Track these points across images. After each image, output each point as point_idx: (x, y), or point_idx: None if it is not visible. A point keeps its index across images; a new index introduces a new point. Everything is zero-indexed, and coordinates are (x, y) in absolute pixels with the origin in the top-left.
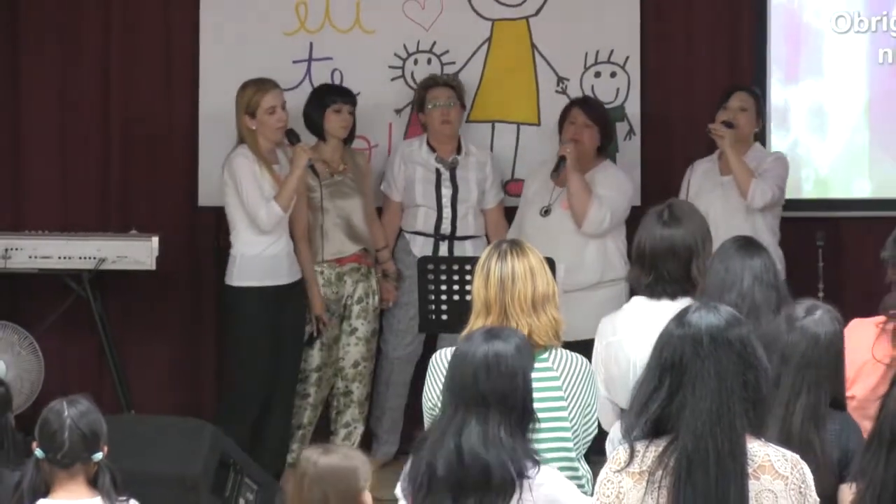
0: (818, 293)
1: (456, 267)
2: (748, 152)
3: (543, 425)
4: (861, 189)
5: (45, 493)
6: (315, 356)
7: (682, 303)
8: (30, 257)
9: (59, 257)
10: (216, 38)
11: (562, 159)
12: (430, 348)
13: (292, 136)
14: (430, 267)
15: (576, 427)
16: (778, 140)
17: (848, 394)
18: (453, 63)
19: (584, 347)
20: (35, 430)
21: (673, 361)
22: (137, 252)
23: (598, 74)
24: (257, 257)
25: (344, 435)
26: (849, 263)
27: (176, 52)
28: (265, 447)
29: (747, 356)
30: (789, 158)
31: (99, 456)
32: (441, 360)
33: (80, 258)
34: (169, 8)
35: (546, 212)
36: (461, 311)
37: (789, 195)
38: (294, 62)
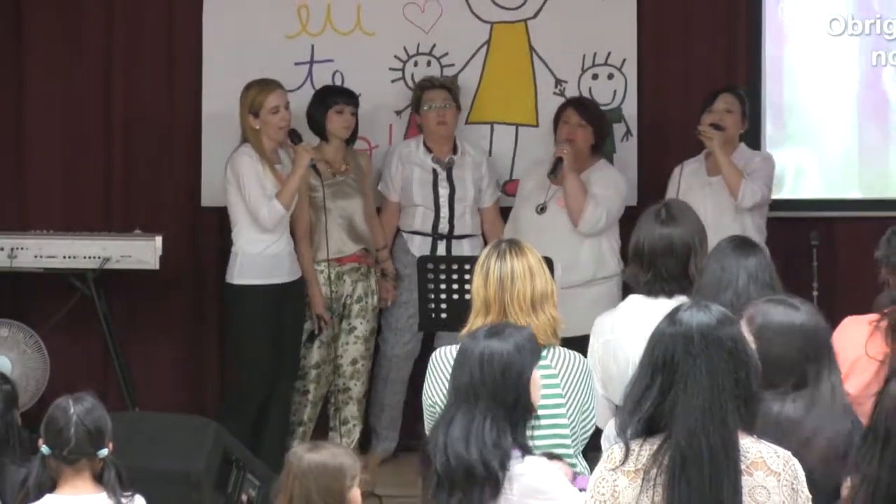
0: (812, 292)
1: (455, 266)
2: (734, 153)
3: (542, 422)
4: (855, 190)
5: (52, 489)
6: (314, 353)
7: (679, 301)
8: (35, 257)
9: (64, 257)
10: (219, 40)
11: (559, 160)
12: (427, 346)
13: (295, 136)
14: (430, 266)
15: (574, 424)
16: (773, 141)
17: None
18: (453, 65)
19: (577, 343)
20: (41, 427)
21: (665, 360)
22: (141, 252)
23: (595, 76)
24: (259, 256)
25: (344, 432)
26: (842, 263)
27: (179, 54)
28: (264, 444)
29: (738, 354)
30: (784, 159)
31: (104, 452)
32: (441, 358)
33: (85, 258)
34: (172, 10)
35: (542, 209)
36: (461, 311)
37: (785, 196)
38: (296, 64)
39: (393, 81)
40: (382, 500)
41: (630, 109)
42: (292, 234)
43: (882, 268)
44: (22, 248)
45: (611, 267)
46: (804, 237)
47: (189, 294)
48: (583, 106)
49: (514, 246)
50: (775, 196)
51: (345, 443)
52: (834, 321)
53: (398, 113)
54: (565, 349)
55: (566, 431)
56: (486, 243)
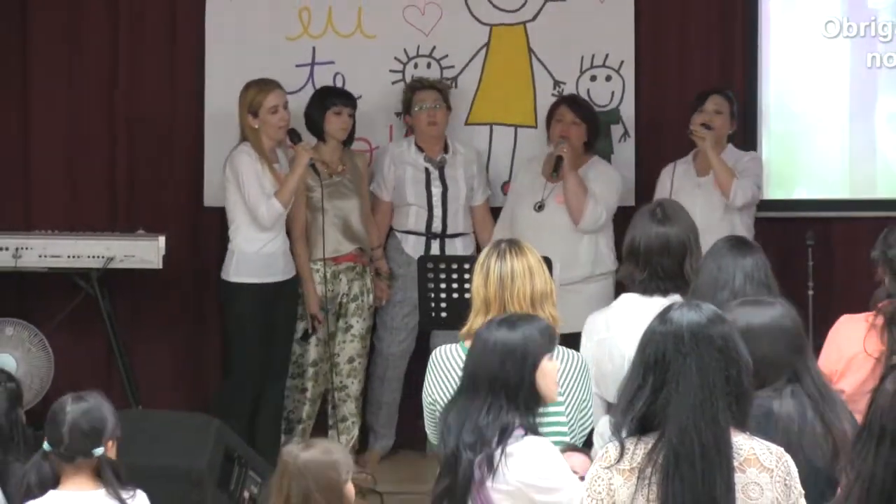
0: (808, 292)
1: (455, 266)
2: (722, 153)
3: (542, 420)
4: (850, 190)
5: (55, 485)
6: (311, 351)
7: (674, 300)
8: (40, 256)
9: (68, 256)
10: (221, 41)
11: (559, 159)
12: (422, 345)
13: (294, 136)
14: (430, 266)
15: (572, 422)
16: (768, 142)
17: (837, 387)
18: (452, 67)
19: (574, 340)
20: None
21: (656, 358)
22: (145, 251)
23: (593, 78)
24: (255, 254)
25: (342, 429)
26: (839, 263)
27: (182, 55)
28: (256, 441)
29: (729, 352)
30: (780, 160)
31: (100, 451)
32: (440, 356)
33: (89, 257)
34: (174, 11)
35: (540, 207)
36: (461, 309)
37: (782, 196)
38: (297, 66)
39: (393, 83)
40: (383, 498)
41: (628, 111)
42: (288, 234)
43: (878, 267)
44: (26, 248)
45: (607, 263)
46: (800, 237)
47: (191, 293)
48: (576, 104)
49: (514, 246)
50: (771, 196)
51: (344, 440)
52: (830, 321)
53: (398, 114)
54: (565, 347)
55: (564, 429)
56: (476, 241)
